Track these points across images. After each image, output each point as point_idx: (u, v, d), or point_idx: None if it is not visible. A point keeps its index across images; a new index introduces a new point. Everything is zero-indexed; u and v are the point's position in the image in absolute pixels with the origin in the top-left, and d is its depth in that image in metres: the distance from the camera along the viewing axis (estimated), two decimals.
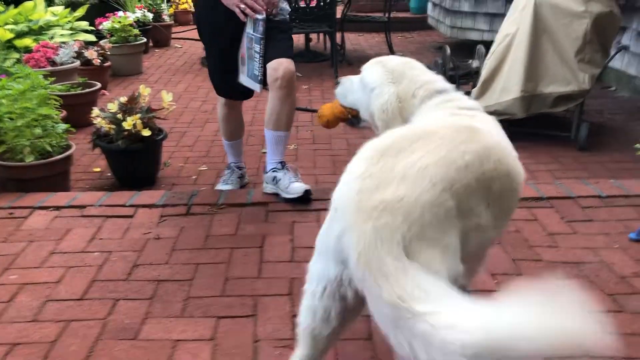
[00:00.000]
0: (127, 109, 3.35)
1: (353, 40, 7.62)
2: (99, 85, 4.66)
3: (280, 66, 2.73)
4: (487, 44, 4.99)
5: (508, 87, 3.94)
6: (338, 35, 6.38)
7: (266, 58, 2.76)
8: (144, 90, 3.43)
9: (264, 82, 2.80)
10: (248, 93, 3.04)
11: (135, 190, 3.10)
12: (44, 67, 4.67)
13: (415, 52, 7.14)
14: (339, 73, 5.60)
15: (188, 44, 7.59)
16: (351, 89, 1.87)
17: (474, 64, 4.83)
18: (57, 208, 2.85)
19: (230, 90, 3.03)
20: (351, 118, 1.93)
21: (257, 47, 2.75)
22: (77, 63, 4.98)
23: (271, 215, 2.78)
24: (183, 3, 8.86)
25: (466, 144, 1.36)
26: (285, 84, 2.75)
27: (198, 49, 7.26)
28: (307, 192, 2.86)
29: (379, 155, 1.30)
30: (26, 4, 5.94)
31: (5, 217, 2.77)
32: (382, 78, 1.74)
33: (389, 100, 1.69)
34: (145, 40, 6.36)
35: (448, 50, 4.78)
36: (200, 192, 3.04)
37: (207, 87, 5.67)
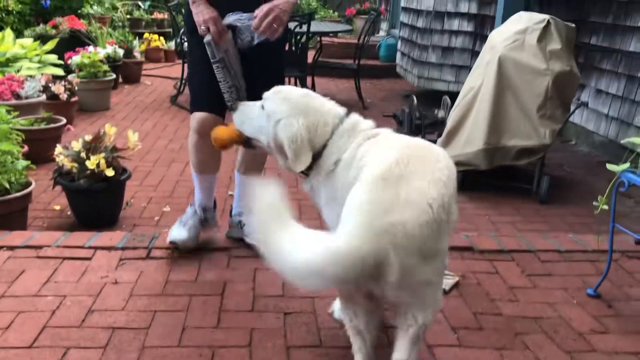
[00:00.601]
0: (92, 147, 3.30)
1: (323, 85, 7.73)
2: (64, 120, 4.60)
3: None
4: (453, 95, 5.14)
5: (472, 138, 4.03)
6: (309, 80, 6.48)
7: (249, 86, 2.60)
8: (110, 130, 3.40)
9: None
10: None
11: (96, 230, 3.03)
12: (7, 99, 4.60)
13: (384, 99, 7.29)
14: None
15: (158, 81, 7.60)
16: (251, 117, 1.99)
17: (440, 113, 4.96)
18: (11, 248, 2.76)
19: (210, 99, 2.63)
20: (248, 140, 2.06)
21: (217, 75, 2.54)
22: (43, 97, 4.92)
23: (233, 261, 2.74)
24: (155, 40, 8.89)
25: (438, 161, 1.67)
26: None
27: (168, 87, 7.27)
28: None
29: (384, 183, 1.56)
30: None
31: None
32: (289, 110, 1.88)
33: (299, 131, 1.84)
34: (114, 76, 6.34)
35: (415, 100, 4.90)
36: (162, 234, 2.98)
37: (175, 125, 5.67)
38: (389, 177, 1.57)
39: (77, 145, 3.30)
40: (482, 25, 6.28)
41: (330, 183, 1.86)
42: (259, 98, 2.01)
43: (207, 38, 2.48)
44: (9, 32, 6.16)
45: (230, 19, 2.52)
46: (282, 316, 2.32)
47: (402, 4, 7.74)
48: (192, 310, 2.32)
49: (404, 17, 7.58)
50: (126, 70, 7.21)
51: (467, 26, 6.39)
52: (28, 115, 4.53)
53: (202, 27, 2.49)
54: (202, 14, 2.50)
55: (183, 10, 6.82)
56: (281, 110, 1.89)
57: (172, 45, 9.00)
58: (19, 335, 2.11)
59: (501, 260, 2.86)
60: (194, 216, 2.86)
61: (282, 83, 2.64)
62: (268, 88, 2.02)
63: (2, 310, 2.27)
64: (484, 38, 5.98)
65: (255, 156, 2.76)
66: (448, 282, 2.59)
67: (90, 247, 2.80)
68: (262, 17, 2.45)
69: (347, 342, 1.94)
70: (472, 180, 4.12)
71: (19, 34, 6.72)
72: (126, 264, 2.69)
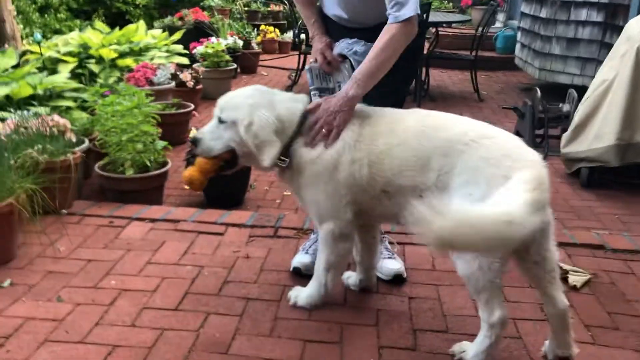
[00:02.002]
0: None
1: (437, 77, 7.64)
2: (192, 106, 4.91)
3: None
4: (578, 88, 4.90)
5: (602, 134, 3.84)
6: (423, 71, 6.43)
7: None
8: None
9: None
10: None
11: (224, 209, 3.23)
12: (142, 86, 4.96)
13: (499, 92, 7.09)
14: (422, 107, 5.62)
15: (273, 72, 7.86)
16: (218, 135, 2.11)
17: (565, 107, 4.75)
18: (153, 220, 3.01)
19: None
20: (224, 164, 2.16)
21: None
22: (172, 84, 5.27)
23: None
24: (270, 32, 9.20)
25: None
26: None
27: (283, 77, 7.50)
28: (397, 277, 2.47)
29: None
30: (129, 27, 6.37)
31: (105, 225, 2.95)
32: (251, 109, 2.06)
33: (269, 118, 2.05)
34: (235, 66, 6.64)
35: (539, 93, 4.72)
36: (287, 216, 3.13)
37: None
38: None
39: None
40: (614, 15, 5.91)
41: (319, 166, 2.07)
42: None
43: (310, 65, 2.37)
44: (142, 24, 6.63)
45: (340, 47, 2.34)
46: (407, 300, 2.37)
47: None
48: None
49: (525, 8, 7.30)
50: (244, 61, 7.52)
51: (597, 16, 6.04)
52: (159, 100, 4.87)
53: (311, 60, 2.38)
54: (314, 46, 2.39)
55: None
56: (244, 113, 2.06)
57: (286, 36, 9.28)
58: (165, 298, 2.32)
59: (636, 260, 2.73)
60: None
61: (400, 102, 2.45)
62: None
63: (148, 275, 2.50)
64: (615, 29, 5.64)
65: None
66: (579, 278, 2.51)
67: (222, 224, 3.00)
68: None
69: (475, 330, 1.95)
70: (599, 178, 3.93)
71: (149, 26, 7.21)
72: (255, 240, 2.85)
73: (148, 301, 2.29)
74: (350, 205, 2.10)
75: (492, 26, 9.79)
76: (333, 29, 2.43)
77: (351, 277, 2.45)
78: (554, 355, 1.98)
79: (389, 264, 2.50)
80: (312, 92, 2.37)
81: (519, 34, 7.61)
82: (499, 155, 1.83)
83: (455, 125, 1.99)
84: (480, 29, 6.70)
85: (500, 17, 10.23)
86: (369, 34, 2.26)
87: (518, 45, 7.56)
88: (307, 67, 2.39)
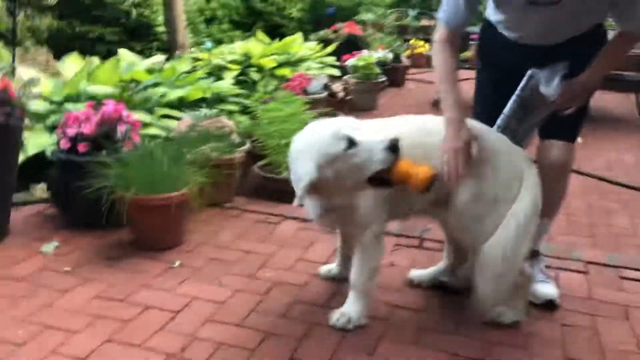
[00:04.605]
0: None
1: (597, 96, 7.16)
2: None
3: (551, 150, 2.32)
4: None
5: None
6: None
7: (528, 126, 2.37)
8: None
9: None
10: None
11: None
12: (298, 94, 5.22)
13: None
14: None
15: (421, 86, 7.86)
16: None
17: None
18: (304, 220, 3.16)
19: None
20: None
21: (508, 106, 2.33)
22: (325, 94, 5.48)
23: None
24: (420, 47, 9.21)
25: None
26: (557, 169, 2.34)
27: (430, 91, 7.47)
28: (550, 303, 2.38)
29: None
30: (287, 39, 6.75)
31: (261, 221, 3.16)
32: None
33: None
34: (384, 78, 6.75)
35: None
36: (433, 228, 3.12)
37: None
38: None
39: None
40: None
41: None
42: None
43: (531, 72, 2.27)
44: (299, 36, 7.00)
45: (548, 85, 2.26)
46: (559, 327, 2.26)
47: None
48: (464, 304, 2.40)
49: None
50: (393, 74, 7.60)
51: None
52: (312, 109, 5.09)
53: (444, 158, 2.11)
54: (447, 139, 2.13)
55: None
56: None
57: None
58: (314, 294, 2.44)
59: None
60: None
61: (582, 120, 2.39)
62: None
63: (299, 270, 2.64)
64: None
65: (548, 197, 2.28)
66: None
67: None
68: (568, 100, 2.24)
69: None
70: None
71: (305, 38, 7.56)
72: (399, 249, 2.89)
73: (299, 294, 2.42)
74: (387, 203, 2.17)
75: None
76: (506, 50, 2.37)
77: (332, 270, 2.57)
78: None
79: (543, 288, 2.41)
80: (517, 96, 2.30)
81: None
82: None
83: None
84: None
85: None
86: (553, 52, 2.25)
87: None
88: (529, 72, 2.26)
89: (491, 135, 2.23)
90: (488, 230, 2.10)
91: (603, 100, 7.29)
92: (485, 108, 2.47)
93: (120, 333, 2.12)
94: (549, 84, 2.23)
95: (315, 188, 1.97)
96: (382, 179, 1.97)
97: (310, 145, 1.96)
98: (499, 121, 2.34)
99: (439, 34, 2.28)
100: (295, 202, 2.00)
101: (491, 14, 2.37)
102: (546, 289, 2.40)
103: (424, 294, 2.47)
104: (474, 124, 2.21)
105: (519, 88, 2.30)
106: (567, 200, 3.87)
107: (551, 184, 2.32)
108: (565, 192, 2.43)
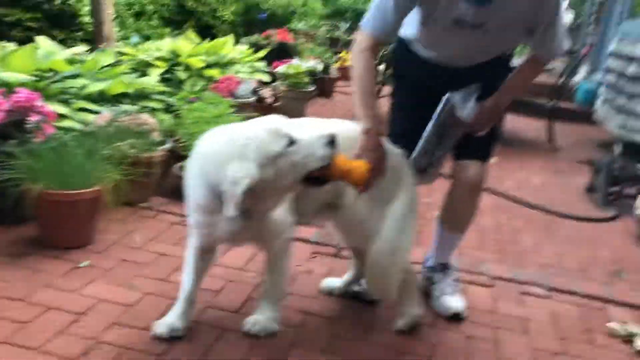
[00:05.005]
0: None
1: (511, 121, 7.51)
2: None
3: (470, 168, 2.40)
4: None
5: None
6: None
7: (445, 148, 2.42)
8: None
9: (422, 171, 2.38)
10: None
11: None
12: (225, 97, 5.15)
13: (575, 144, 6.93)
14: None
15: (349, 98, 7.97)
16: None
17: None
18: None
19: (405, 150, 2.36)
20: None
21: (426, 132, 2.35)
22: (253, 99, 5.44)
23: None
24: (349, 60, 9.34)
25: None
26: (471, 187, 2.43)
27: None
28: (456, 316, 2.45)
29: None
30: (218, 40, 6.64)
31: (178, 223, 3.06)
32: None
33: None
34: (313, 88, 6.79)
35: (619, 149, 4.60)
36: None
37: None
38: None
39: None
40: None
41: None
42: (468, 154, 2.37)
43: (448, 95, 2.29)
44: (230, 38, 6.90)
45: (462, 107, 2.31)
46: (463, 338, 2.35)
47: (611, 49, 7.28)
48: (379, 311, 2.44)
49: (611, 62, 7.12)
50: (322, 84, 7.66)
51: None
52: (239, 113, 5.04)
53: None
54: (364, 150, 2.08)
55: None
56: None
57: None
58: (229, 301, 2.40)
59: None
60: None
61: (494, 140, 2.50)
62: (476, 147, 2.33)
63: (214, 275, 2.56)
64: None
65: (463, 213, 2.49)
66: None
67: None
68: (481, 122, 2.32)
69: None
70: None
71: (236, 41, 7.46)
72: (318, 257, 2.90)
73: (212, 300, 2.37)
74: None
75: (573, 77, 9.58)
76: (420, 69, 2.41)
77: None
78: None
79: (451, 301, 2.49)
80: (434, 121, 2.31)
81: (601, 89, 7.42)
82: None
83: None
84: (562, 78, 6.58)
85: (583, 67, 10.01)
86: (466, 74, 2.32)
87: (599, 100, 7.36)
88: (445, 97, 2.28)
89: None
90: (375, 230, 2.15)
91: (516, 124, 7.69)
92: (401, 129, 2.46)
93: (16, 335, 1.99)
94: (464, 107, 2.29)
95: (249, 193, 1.80)
96: (317, 177, 1.92)
97: (244, 145, 1.82)
98: (418, 146, 2.34)
99: (361, 42, 2.20)
100: (230, 211, 1.79)
101: (408, 30, 2.34)
102: (453, 302, 2.48)
103: (338, 302, 2.49)
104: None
105: (436, 112, 2.31)
106: (478, 217, 4.05)
107: (465, 201, 2.44)
108: (477, 209, 2.53)
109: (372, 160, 2.03)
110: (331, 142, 1.88)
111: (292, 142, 1.87)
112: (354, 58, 2.22)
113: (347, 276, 2.57)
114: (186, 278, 2.16)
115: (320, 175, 1.92)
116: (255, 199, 1.85)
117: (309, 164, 1.88)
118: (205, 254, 2.16)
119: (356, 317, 2.40)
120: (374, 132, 2.11)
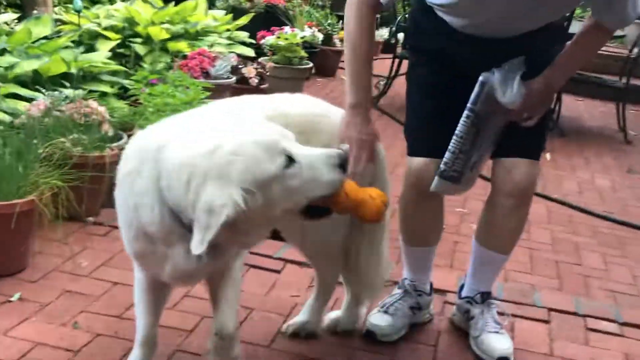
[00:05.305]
0: None
1: (570, 105, 7.54)
2: None
3: (516, 169, 2.42)
4: None
5: None
6: None
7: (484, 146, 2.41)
8: None
9: (455, 179, 2.38)
10: None
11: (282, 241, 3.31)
12: (197, 77, 5.18)
13: None
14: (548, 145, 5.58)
15: None
16: None
17: None
18: None
19: (431, 141, 2.44)
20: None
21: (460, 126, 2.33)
22: (233, 79, 5.46)
23: None
24: None
25: None
26: (517, 194, 2.44)
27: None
28: None
29: None
30: (187, 3, 6.66)
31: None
32: None
33: None
34: (310, 65, 6.82)
35: None
36: None
37: None
38: None
39: None
40: None
41: None
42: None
43: (483, 77, 2.28)
44: (202, 1, 6.93)
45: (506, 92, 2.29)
46: None
47: None
48: None
49: None
50: (322, 60, 7.68)
51: None
52: (216, 97, 5.06)
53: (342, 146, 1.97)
54: (354, 126, 2.19)
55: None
56: None
57: (378, 35, 9.42)
58: (204, 342, 2.40)
59: None
60: (405, 297, 2.69)
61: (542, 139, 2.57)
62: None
63: (186, 310, 2.61)
64: None
65: (504, 227, 2.51)
66: None
67: (279, 259, 3.11)
68: (529, 108, 2.33)
69: None
70: None
71: (210, 5, 7.50)
72: None
73: (183, 343, 2.38)
74: None
75: None
76: (448, 40, 2.38)
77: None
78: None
79: (494, 341, 2.49)
80: (466, 114, 2.30)
81: None
82: None
83: None
84: (636, 49, 6.60)
85: None
86: (512, 45, 2.31)
87: None
88: (482, 78, 2.28)
89: None
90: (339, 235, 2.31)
91: (577, 109, 7.71)
92: (422, 121, 2.49)
93: None
94: (507, 90, 2.25)
95: (227, 226, 1.64)
96: (317, 207, 1.81)
97: (227, 163, 1.65)
98: (450, 145, 2.31)
99: None
100: (199, 248, 1.63)
101: None
102: (498, 343, 2.49)
103: (350, 347, 2.50)
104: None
105: (470, 100, 2.29)
106: (528, 231, 4.07)
107: (510, 212, 2.44)
108: (525, 222, 2.54)
109: (358, 145, 2.10)
110: (342, 163, 1.78)
111: (291, 160, 1.72)
112: (348, 14, 2.27)
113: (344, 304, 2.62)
114: (139, 316, 2.16)
115: (322, 205, 1.82)
116: (234, 233, 1.71)
117: (311, 192, 1.75)
118: (157, 286, 2.11)
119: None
120: (363, 109, 2.15)
